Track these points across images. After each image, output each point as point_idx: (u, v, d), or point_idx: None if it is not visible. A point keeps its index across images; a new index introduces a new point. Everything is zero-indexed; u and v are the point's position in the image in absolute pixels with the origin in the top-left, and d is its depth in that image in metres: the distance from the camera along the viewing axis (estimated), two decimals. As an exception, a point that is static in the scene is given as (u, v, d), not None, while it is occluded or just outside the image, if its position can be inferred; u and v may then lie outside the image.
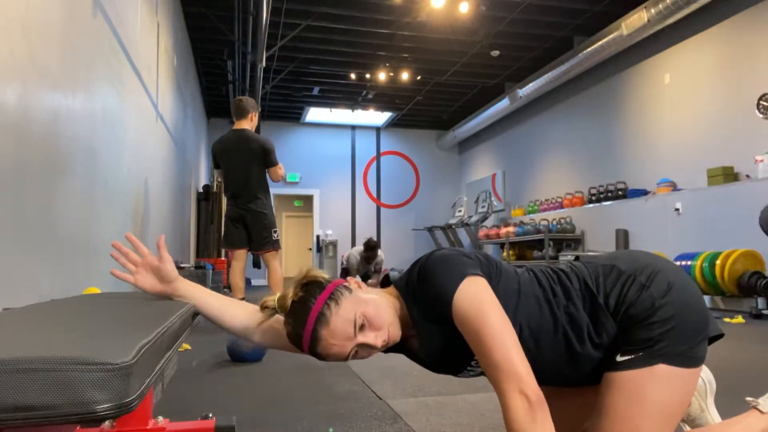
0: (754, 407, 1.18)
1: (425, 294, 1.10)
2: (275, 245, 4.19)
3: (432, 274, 1.09)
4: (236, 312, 1.21)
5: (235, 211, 4.16)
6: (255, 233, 4.14)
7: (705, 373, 1.31)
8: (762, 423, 1.14)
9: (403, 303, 1.15)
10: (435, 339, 1.13)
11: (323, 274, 1.14)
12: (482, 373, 1.13)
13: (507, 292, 1.12)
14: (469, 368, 1.16)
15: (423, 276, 1.10)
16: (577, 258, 1.26)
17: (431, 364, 1.20)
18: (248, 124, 4.26)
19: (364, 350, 1.11)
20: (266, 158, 4.15)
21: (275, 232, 4.21)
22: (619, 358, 1.09)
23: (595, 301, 1.12)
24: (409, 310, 1.14)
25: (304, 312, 1.08)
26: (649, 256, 1.20)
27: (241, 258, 4.18)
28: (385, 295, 1.17)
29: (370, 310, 1.10)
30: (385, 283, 1.25)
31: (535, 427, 0.94)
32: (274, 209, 4.38)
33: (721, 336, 1.15)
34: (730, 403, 1.25)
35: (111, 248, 1.24)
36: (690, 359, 1.08)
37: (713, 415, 1.28)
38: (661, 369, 1.06)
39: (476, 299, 1.05)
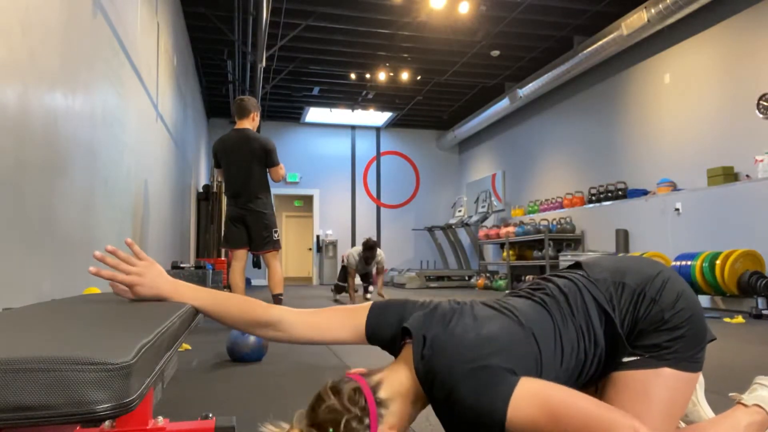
0: (739, 402, 1.20)
1: (458, 417, 0.99)
2: (276, 245, 4.19)
3: (467, 405, 0.97)
4: (233, 310, 1.20)
5: (235, 210, 4.15)
6: (255, 233, 4.13)
7: None
8: (747, 417, 1.17)
9: (422, 390, 1.05)
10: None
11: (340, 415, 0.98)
12: None
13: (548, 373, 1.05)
14: None
15: (451, 398, 0.98)
16: (578, 265, 1.23)
17: None
18: (250, 123, 4.25)
19: None
20: (267, 158, 4.14)
21: (276, 232, 4.21)
22: (624, 359, 1.10)
23: (615, 332, 1.10)
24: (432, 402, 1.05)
25: None
26: (652, 263, 1.19)
27: (241, 258, 4.18)
28: (404, 408, 1.04)
29: None
30: (404, 331, 1.10)
31: None
32: (274, 209, 4.38)
33: (713, 340, 1.16)
34: (730, 403, 1.26)
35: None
36: (693, 364, 1.10)
37: (705, 408, 1.30)
38: (667, 372, 1.08)
39: (532, 400, 0.94)
